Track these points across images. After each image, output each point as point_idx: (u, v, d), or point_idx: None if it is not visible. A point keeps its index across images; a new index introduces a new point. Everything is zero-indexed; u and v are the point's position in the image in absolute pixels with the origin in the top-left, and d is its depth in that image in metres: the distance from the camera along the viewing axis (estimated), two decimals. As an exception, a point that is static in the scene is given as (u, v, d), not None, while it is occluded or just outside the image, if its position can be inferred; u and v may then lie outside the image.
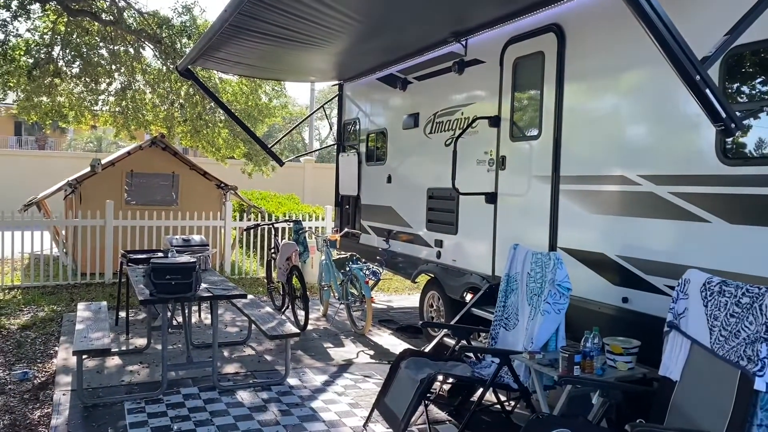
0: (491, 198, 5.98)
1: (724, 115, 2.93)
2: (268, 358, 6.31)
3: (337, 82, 9.80)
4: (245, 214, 12.25)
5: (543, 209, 5.30)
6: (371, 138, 8.78)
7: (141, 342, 6.57)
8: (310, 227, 11.12)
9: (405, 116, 7.68)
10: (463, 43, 6.45)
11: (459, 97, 6.64)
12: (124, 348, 6.43)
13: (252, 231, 11.70)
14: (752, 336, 2.98)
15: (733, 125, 2.97)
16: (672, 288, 3.58)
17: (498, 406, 4.53)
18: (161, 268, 5.03)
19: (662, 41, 2.84)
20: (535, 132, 5.44)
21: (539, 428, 3.23)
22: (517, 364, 4.27)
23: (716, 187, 3.86)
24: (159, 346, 5.81)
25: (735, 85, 3.86)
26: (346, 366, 6.12)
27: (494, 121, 5.93)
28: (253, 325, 6.31)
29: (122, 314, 7.22)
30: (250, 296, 6.97)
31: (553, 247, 5.18)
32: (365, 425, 4.54)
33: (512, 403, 4.57)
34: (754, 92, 3.80)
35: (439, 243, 6.91)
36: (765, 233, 3.59)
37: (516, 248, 4.91)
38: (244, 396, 5.18)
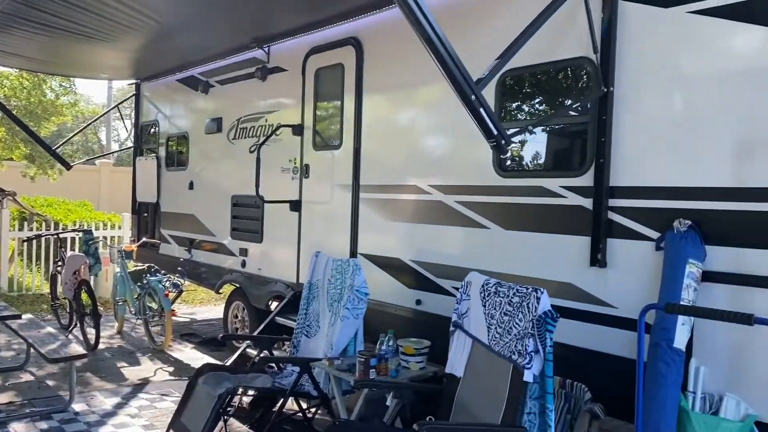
0: (296, 206, 6.00)
1: (496, 132, 3.23)
2: (51, 383, 5.70)
3: (133, 81, 9.20)
4: (26, 223, 10.98)
5: (345, 217, 5.44)
6: (172, 142, 8.36)
7: None
8: (104, 237, 10.27)
9: (207, 120, 7.42)
10: (266, 49, 6.40)
11: (263, 103, 6.58)
12: None
13: (34, 242, 10.51)
14: (522, 332, 3.30)
15: (503, 141, 3.28)
16: (458, 289, 3.86)
17: (300, 414, 4.53)
18: None
19: (442, 62, 3.06)
20: (336, 142, 5.56)
21: (336, 434, 3.29)
22: (318, 371, 4.31)
23: (493, 197, 4.24)
24: None
25: (508, 105, 4.28)
26: (141, 385, 5.73)
27: (297, 130, 5.96)
28: (32, 348, 5.65)
29: None
30: (27, 315, 6.26)
31: (354, 253, 5.32)
32: (160, 448, 4.29)
33: (313, 410, 4.60)
34: (523, 112, 4.25)
35: (244, 252, 6.77)
36: (531, 238, 4.01)
37: (318, 255, 4.97)
38: (18, 428, 4.61)
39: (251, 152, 6.53)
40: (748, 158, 3.05)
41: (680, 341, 3.05)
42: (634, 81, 3.53)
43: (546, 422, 3.11)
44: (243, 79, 6.85)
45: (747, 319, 2.41)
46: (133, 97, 9.40)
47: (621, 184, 3.57)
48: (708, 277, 3.15)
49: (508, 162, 4.22)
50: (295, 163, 6.04)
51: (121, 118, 10.58)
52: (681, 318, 3.05)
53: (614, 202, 3.60)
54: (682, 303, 3.04)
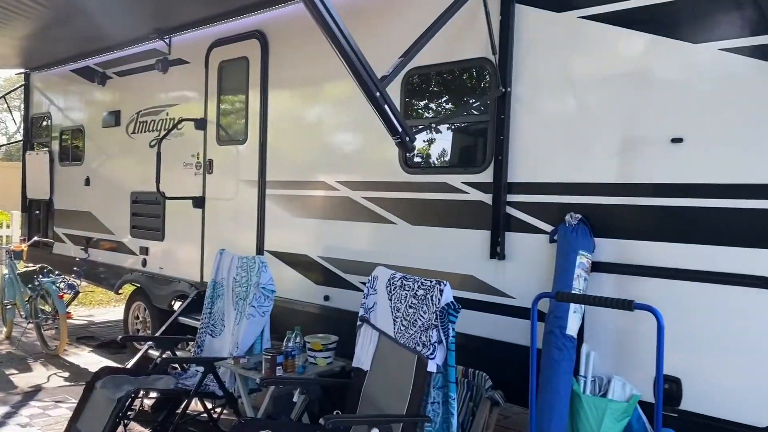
0: (199, 202, 5.84)
1: (400, 129, 3.29)
2: (-71, 395, 5.28)
3: (22, 70, 8.63)
4: None
5: (251, 213, 5.35)
6: (66, 135, 7.92)
7: None
8: (-10, 236, 9.60)
9: (105, 113, 7.09)
10: (167, 40, 6.19)
11: (164, 96, 6.36)
12: None
13: None
14: (426, 324, 3.38)
15: (408, 138, 3.35)
16: (365, 284, 3.90)
17: (205, 414, 4.43)
18: None
19: (347, 59, 3.08)
20: (241, 137, 5.46)
21: (241, 433, 3.24)
22: (223, 371, 4.23)
23: (399, 193, 4.31)
24: None
25: (413, 103, 4.37)
26: (33, 393, 5.41)
27: (200, 124, 5.80)
28: None
29: None
30: None
31: (260, 250, 5.26)
32: (54, 457, 4.07)
33: (219, 410, 4.51)
34: (427, 110, 4.34)
35: (144, 250, 6.52)
36: (436, 233, 4.11)
37: (222, 253, 4.87)
38: None
39: (151, 147, 6.30)
40: (631, 156, 3.27)
41: (572, 328, 3.23)
42: (530, 82, 3.69)
43: (449, 410, 3.22)
44: (143, 70, 6.59)
45: (627, 305, 2.59)
46: (23, 87, 8.82)
47: (518, 180, 3.73)
48: (597, 267, 3.35)
49: (414, 159, 4.31)
50: (198, 159, 5.88)
51: (9, 109, 9.90)
52: (573, 306, 3.23)
53: (512, 198, 3.75)
54: (573, 291, 3.22)
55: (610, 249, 3.32)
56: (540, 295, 3.01)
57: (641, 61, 3.27)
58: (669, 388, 3.06)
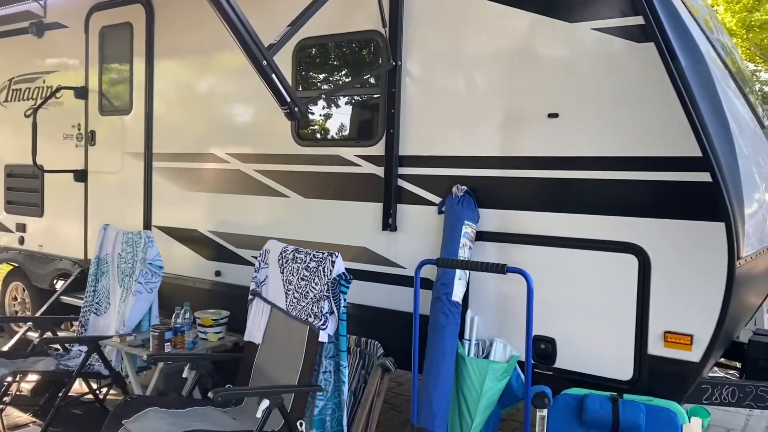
0: (81, 176, 5.54)
1: (288, 99, 3.26)
2: None
3: None
4: None
5: (137, 187, 5.14)
6: (-74, 103, 7.21)
7: None
8: None
9: (-28, 80, 6.52)
10: (42, 2, 5.76)
11: (39, 62, 5.93)
12: None
13: None
14: (318, 295, 3.41)
15: (296, 109, 3.33)
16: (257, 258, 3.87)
17: (90, 395, 4.26)
18: None
19: (231, 25, 3.01)
20: (126, 107, 5.20)
21: (127, 411, 3.15)
22: (109, 350, 4.08)
23: (292, 166, 4.29)
24: None
25: (305, 74, 4.33)
26: None
27: (81, 93, 5.48)
28: None
29: None
30: None
31: (147, 225, 5.07)
32: None
33: (105, 390, 4.35)
34: (319, 82, 4.32)
35: (21, 227, 6.11)
36: (329, 206, 4.13)
37: (106, 229, 4.66)
38: None
39: (27, 117, 5.87)
40: (513, 130, 3.42)
41: (457, 294, 3.37)
42: (419, 56, 3.76)
43: (340, 378, 3.29)
44: (15, 34, 6.10)
45: (501, 268, 2.74)
46: None
47: (409, 153, 3.81)
48: (481, 236, 3.51)
49: (307, 131, 4.29)
50: (79, 129, 5.56)
51: None
52: (458, 274, 3.37)
53: (403, 170, 3.83)
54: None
55: (492, 219, 3.48)
56: (422, 262, 3.12)
57: (523, 39, 3.41)
58: (544, 348, 3.27)
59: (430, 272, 3.53)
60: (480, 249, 3.49)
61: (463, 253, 3.39)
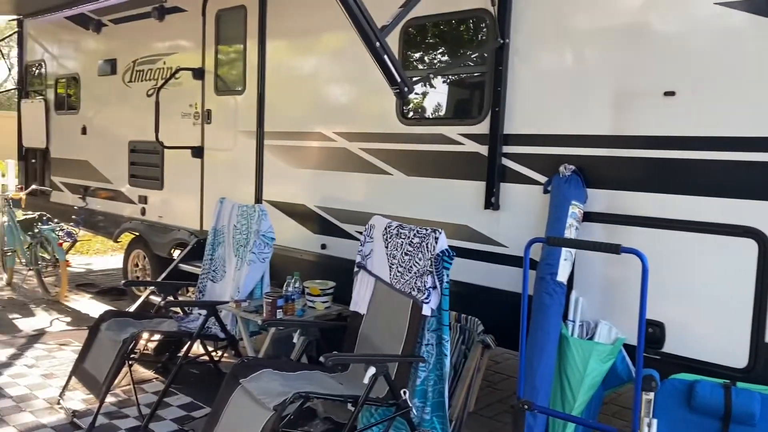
0: (198, 152, 5.90)
1: (399, 79, 3.34)
2: (-65, 337, 5.42)
3: (15, 17, 8.52)
4: None
5: (249, 164, 5.42)
6: (61, 83, 7.89)
7: None
8: (-14, 185, 9.63)
9: (100, 62, 7.06)
10: (164, -13, 6.14)
11: (161, 45, 6.33)
12: None
13: None
14: (421, 270, 3.50)
15: (406, 89, 3.40)
16: (361, 233, 4.01)
17: (206, 356, 4.59)
18: None
19: (348, 8, 3.11)
20: (239, 87, 5.48)
21: (244, 371, 3.39)
22: (225, 314, 4.36)
23: (396, 144, 4.38)
24: None
25: (412, 54, 4.39)
26: (37, 336, 5.56)
27: (198, 74, 5.81)
28: None
29: None
30: None
31: (258, 200, 5.34)
32: (61, 394, 4.23)
33: (220, 352, 4.67)
34: (425, 61, 4.38)
35: (143, 199, 6.60)
36: (431, 183, 4.20)
37: (222, 202, 4.96)
38: None
39: (149, 96, 6.31)
40: (624, 109, 3.34)
41: (562, 275, 3.36)
42: (528, 34, 3.73)
43: (442, 352, 3.37)
44: (139, 18, 6.53)
45: (615, 248, 2.70)
46: (16, 34, 8.72)
47: (514, 131, 3.80)
48: (588, 217, 3.46)
49: (411, 110, 4.36)
50: (196, 108, 5.91)
51: (2, 56, 9.78)
52: (564, 254, 3.35)
53: (507, 149, 3.83)
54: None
55: (601, 199, 3.43)
56: (532, 240, 3.12)
57: (637, 14, 3.31)
58: (653, 331, 3.21)
59: (534, 252, 3.53)
60: (587, 229, 3.45)
61: (570, 234, 3.36)
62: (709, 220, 3.06)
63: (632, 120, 3.31)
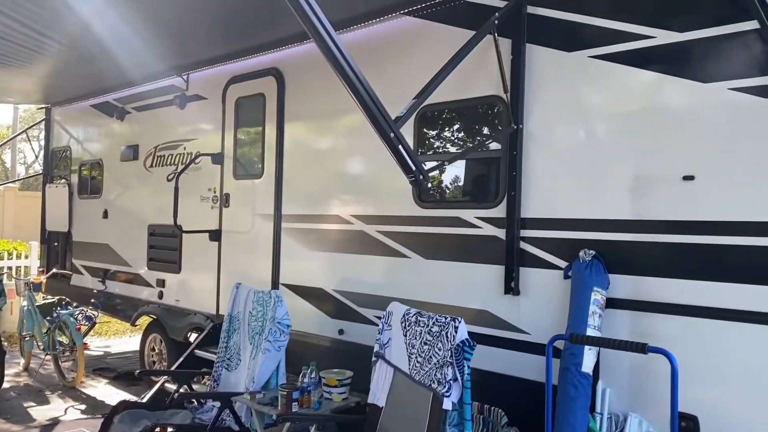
0: (215, 235, 5.92)
1: (414, 168, 3.35)
2: (-51, 428, 5.34)
3: (43, 105, 8.84)
4: None
5: (266, 247, 5.42)
6: (85, 168, 8.07)
7: None
8: (9, 267, 9.73)
9: (123, 147, 7.23)
10: (185, 77, 6.34)
11: (181, 131, 6.49)
12: None
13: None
14: (441, 361, 3.40)
15: (421, 177, 3.41)
16: (380, 318, 3.93)
17: (221, 450, 4.44)
18: None
19: (362, 102, 3.15)
20: (257, 171, 5.55)
21: (258, 470, 3.26)
22: (239, 406, 4.25)
23: (413, 227, 4.36)
24: None
25: (426, 139, 4.43)
26: (51, 426, 5.45)
27: (217, 158, 5.91)
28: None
29: None
30: None
31: (275, 283, 5.31)
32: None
33: (235, 445, 4.52)
34: (440, 146, 4.41)
35: (161, 282, 6.60)
36: (449, 267, 4.14)
37: (238, 287, 4.92)
38: None
39: (169, 180, 6.41)
40: (644, 192, 3.30)
41: (587, 366, 3.24)
42: (542, 119, 3.75)
43: (465, 448, 3.22)
44: (161, 106, 6.73)
45: (641, 348, 2.60)
46: (43, 121, 9.03)
47: (531, 215, 3.76)
48: (612, 303, 3.36)
49: (428, 194, 4.36)
50: (214, 192, 5.98)
51: (28, 139, 10.10)
52: (588, 343, 3.24)
53: (525, 233, 3.78)
54: (588, 328, 3.23)
55: (624, 285, 3.34)
56: (554, 337, 3.03)
57: (651, 100, 3.32)
58: (685, 426, 3.04)
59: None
60: (611, 317, 3.35)
61: (593, 321, 3.26)
62: (738, 307, 2.95)
63: (652, 204, 3.26)
